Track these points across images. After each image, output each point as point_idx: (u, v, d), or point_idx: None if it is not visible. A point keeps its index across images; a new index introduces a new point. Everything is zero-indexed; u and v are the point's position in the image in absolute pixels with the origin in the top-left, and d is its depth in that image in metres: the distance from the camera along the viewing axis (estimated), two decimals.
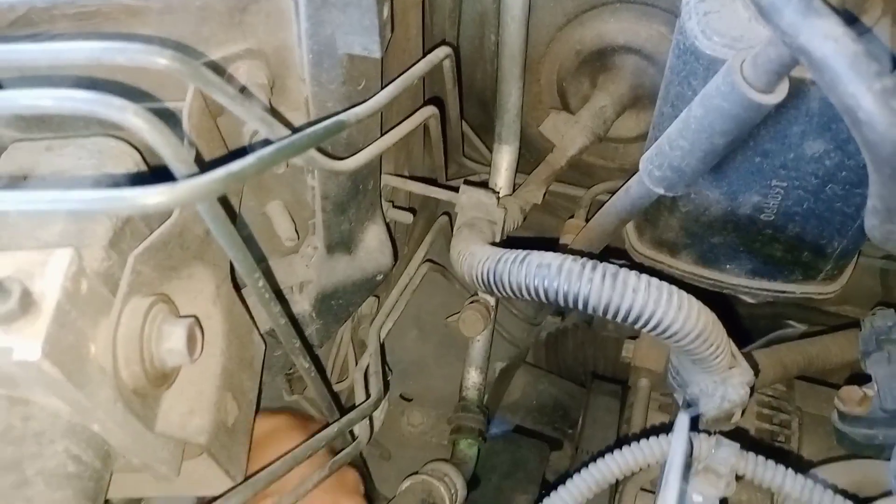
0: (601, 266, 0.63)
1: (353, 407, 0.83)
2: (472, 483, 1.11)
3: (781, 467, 0.60)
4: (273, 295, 0.56)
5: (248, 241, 0.78)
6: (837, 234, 0.76)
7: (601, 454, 0.64)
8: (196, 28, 0.60)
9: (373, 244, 0.83)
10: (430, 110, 0.78)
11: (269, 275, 0.77)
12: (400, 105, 0.83)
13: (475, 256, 0.71)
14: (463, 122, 1.11)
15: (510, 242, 0.98)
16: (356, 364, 0.96)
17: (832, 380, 0.99)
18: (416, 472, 0.95)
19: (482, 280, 0.70)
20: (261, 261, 0.75)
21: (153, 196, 0.38)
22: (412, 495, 0.87)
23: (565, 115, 0.98)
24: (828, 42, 0.46)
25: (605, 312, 0.63)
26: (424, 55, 0.76)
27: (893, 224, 0.52)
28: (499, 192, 0.97)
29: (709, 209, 0.78)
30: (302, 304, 0.82)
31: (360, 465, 0.95)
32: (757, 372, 0.68)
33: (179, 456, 0.62)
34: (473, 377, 1.11)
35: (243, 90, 0.61)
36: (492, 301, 1.07)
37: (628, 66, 0.95)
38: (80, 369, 0.49)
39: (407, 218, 0.91)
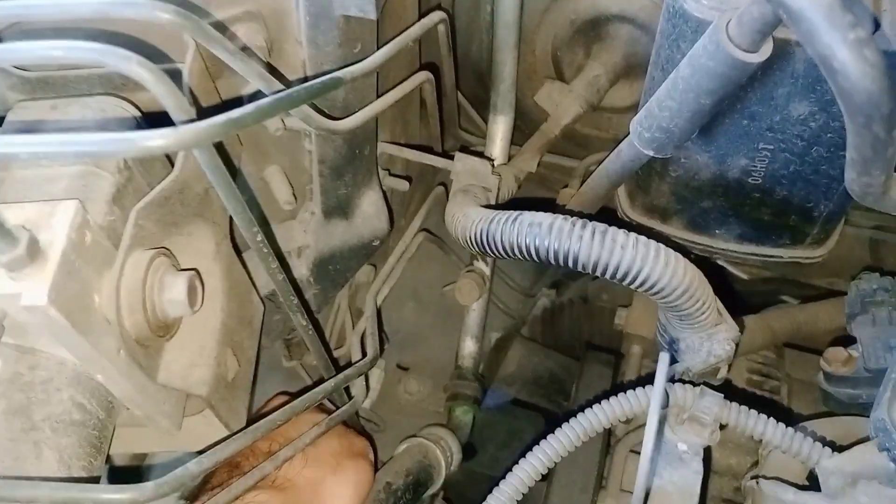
0: (591, 224, 0.65)
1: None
2: (469, 452, 1.13)
3: (764, 416, 0.62)
4: (272, 251, 0.58)
5: (249, 204, 0.80)
6: (823, 197, 0.78)
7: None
8: None
9: (369, 210, 0.85)
10: (425, 75, 0.79)
11: (269, 238, 0.79)
12: (396, 71, 0.84)
13: (469, 218, 0.73)
14: (459, 94, 1.12)
15: (507, 205, 1.00)
16: (353, 330, 0.98)
17: (821, 347, 1.02)
18: (413, 436, 0.97)
19: (476, 241, 0.72)
20: (261, 224, 0.77)
21: (157, 139, 0.40)
22: (409, 456, 0.89)
23: (560, 84, 0.99)
24: None
25: (595, 269, 0.65)
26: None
27: (870, 176, 0.54)
28: (494, 161, 0.98)
29: (698, 173, 0.80)
30: (300, 269, 0.84)
31: (364, 431, 0.97)
32: (742, 328, 0.70)
33: (181, 409, 0.64)
34: (469, 346, 1.13)
35: (244, 49, 0.62)
36: (487, 270, 1.09)
37: (622, 35, 0.96)
38: (84, 318, 0.51)
39: (403, 186, 0.92)
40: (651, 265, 0.63)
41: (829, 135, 0.71)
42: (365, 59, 0.66)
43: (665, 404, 0.60)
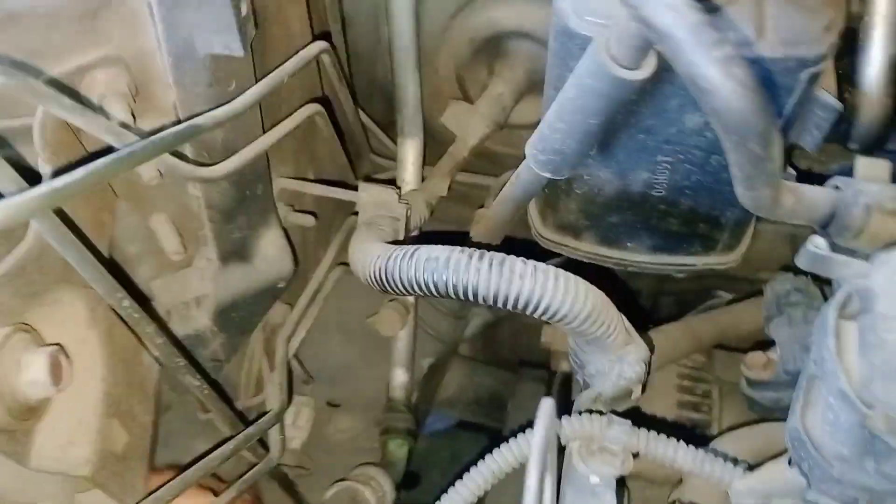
0: (488, 255, 0.63)
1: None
2: (412, 481, 1.10)
3: (674, 441, 0.60)
4: (145, 315, 0.54)
5: (138, 256, 0.76)
6: (728, 204, 0.77)
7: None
8: (45, 36, 0.57)
9: (270, 251, 0.81)
10: (314, 107, 0.76)
11: (160, 288, 0.75)
12: (290, 106, 0.81)
13: (367, 255, 0.70)
14: (369, 119, 1.09)
15: (422, 238, 0.97)
16: (270, 376, 0.93)
17: (750, 346, 1.01)
18: (343, 479, 0.93)
19: (375, 279, 0.69)
20: (149, 278, 0.72)
21: None
22: (336, 502, 0.86)
23: (465, 104, 0.97)
24: (668, 12, 0.46)
25: (495, 301, 0.62)
26: None
27: (756, 190, 0.53)
28: (400, 188, 0.95)
29: (602, 189, 0.78)
30: (201, 320, 0.79)
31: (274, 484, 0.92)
32: (652, 349, 0.68)
33: (70, 491, 0.60)
34: (400, 377, 1.10)
35: (102, 98, 0.58)
36: (410, 299, 1.06)
37: (522, 51, 0.94)
38: None
39: (308, 221, 0.89)
40: (551, 293, 0.61)
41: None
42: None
43: (559, 445, 0.57)
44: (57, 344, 0.53)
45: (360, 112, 1.04)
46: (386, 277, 0.67)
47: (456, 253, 0.63)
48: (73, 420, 0.57)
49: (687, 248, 0.85)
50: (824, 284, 0.87)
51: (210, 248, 0.77)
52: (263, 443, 0.82)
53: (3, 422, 0.50)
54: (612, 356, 0.66)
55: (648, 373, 0.66)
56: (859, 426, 0.59)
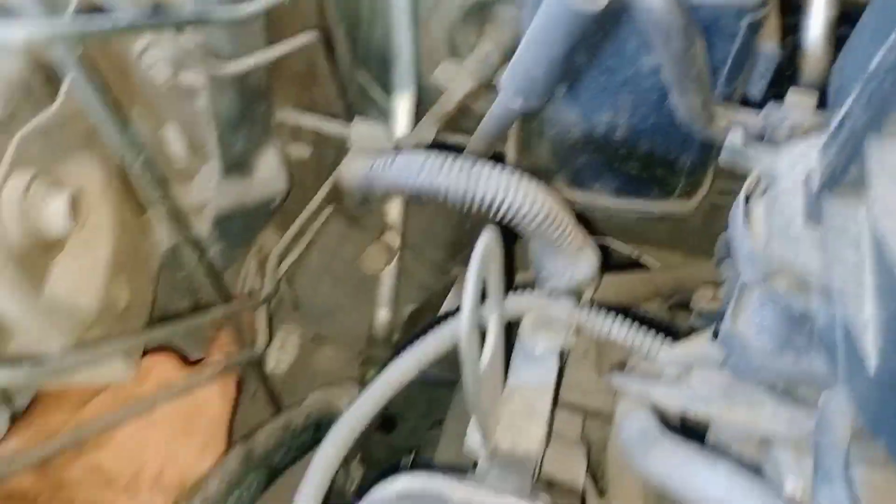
0: (459, 160, 0.71)
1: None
2: (390, 425, 1.17)
3: (612, 317, 0.67)
4: (153, 173, 0.61)
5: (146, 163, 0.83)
6: (682, 148, 0.86)
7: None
8: None
9: (267, 170, 0.89)
10: (313, 35, 0.84)
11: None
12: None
13: (355, 167, 0.78)
14: (367, 75, 1.18)
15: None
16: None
17: None
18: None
19: (361, 188, 0.77)
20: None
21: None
22: (312, 401, 0.93)
23: (455, 62, 1.06)
24: None
25: (464, 201, 0.70)
26: None
27: (687, 96, 0.61)
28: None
29: (571, 131, 0.87)
30: (201, 226, 0.87)
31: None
32: (606, 256, 0.76)
33: (70, 336, 0.67)
34: (382, 315, 1.18)
35: None
36: (395, 242, 1.14)
37: (509, 15, 1.03)
38: None
39: (304, 152, 0.97)
40: (513, 194, 0.69)
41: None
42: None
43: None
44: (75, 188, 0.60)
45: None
46: (371, 185, 0.76)
47: (431, 158, 0.72)
48: (83, 268, 0.64)
49: (647, 193, 0.93)
50: None
51: (213, 161, 0.85)
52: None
53: (25, 251, 0.58)
54: (567, 260, 0.73)
55: (599, 278, 0.74)
56: (781, 324, 0.67)
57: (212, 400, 0.82)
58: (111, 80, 0.66)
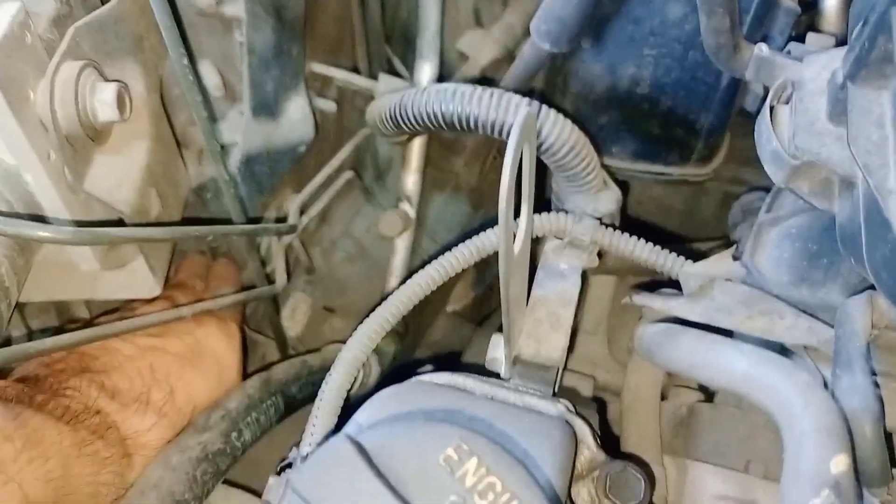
0: (489, 89, 0.73)
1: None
2: None
3: (634, 238, 0.69)
4: (200, 94, 0.64)
5: (180, 101, 0.86)
6: (703, 107, 0.88)
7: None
8: None
9: (295, 115, 0.92)
10: None
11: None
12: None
13: (385, 99, 0.80)
14: (395, 56, 1.21)
15: None
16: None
17: None
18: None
19: (390, 116, 0.79)
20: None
21: None
22: (321, 356, 0.93)
23: (480, 31, 1.09)
24: None
25: (492, 130, 0.72)
26: None
27: (717, 19, 0.63)
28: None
29: (594, 86, 0.89)
30: (229, 165, 0.89)
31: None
32: (626, 193, 0.78)
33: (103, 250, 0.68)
34: (393, 284, 1.19)
35: None
36: (412, 212, 1.16)
37: None
38: (20, 106, 0.55)
39: (331, 107, 0.99)
40: (541, 122, 0.71)
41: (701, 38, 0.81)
42: None
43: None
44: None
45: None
46: (401, 112, 0.77)
47: (462, 86, 0.74)
48: (122, 168, 0.66)
49: (665, 156, 0.95)
50: None
51: (245, 101, 0.87)
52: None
53: (74, 132, 0.59)
54: (590, 197, 0.75)
55: (620, 214, 0.76)
56: (799, 258, 0.68)
57: (217, 343, 0.81)
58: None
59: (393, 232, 1.11)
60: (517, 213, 0.56)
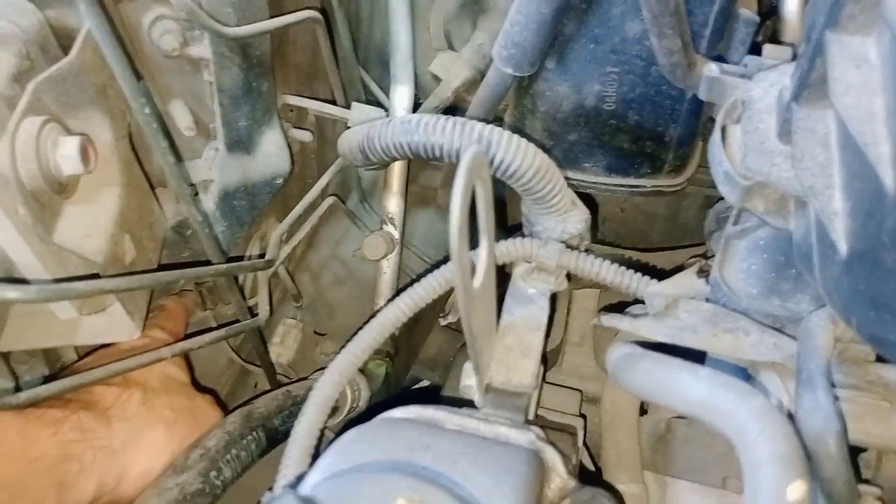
0: (453, 119, 0.74)
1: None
2: None
3: (599, 259, 0.69)
4: (163, 131, 0.65)
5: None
6: (671, 119, 0.89)
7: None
8: None
9: (270, 148, 0.93)
10: (313, 13, 0.88)
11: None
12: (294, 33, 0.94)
13: (353, 132, 0.81)
14: (369, 78, 1.22)
15: None
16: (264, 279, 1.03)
17: None
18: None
19: (360, 149, 0.80)
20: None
21: None
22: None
23: (451, 53, 1.10)
24: None
25: (458, 158, 0.73)
26: None
27: (668, 39, 0.63)
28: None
29: (562, 105, 0.90)
30: (206, 204, 0.90)
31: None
32: (595, 212, 0.79)
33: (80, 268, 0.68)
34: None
35: None
36: (396, 233, 1.17)
37: (501, 6, 1.08)
38: None
39: (306, 137, 1.00)
40: (504, 148, 0.71)
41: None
42: None
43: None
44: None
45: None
46: (369, 145, 0.78)
47: (426, 117, 0.75)
48: (92, 218, 0.67)
49: (638, 169, 0.96)
50: None
51: (218, 137, 0.88)
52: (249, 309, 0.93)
53: (39, 188, 0.60)
54: (558, 217, 0.76)
55: (590, 232, 0.76)
56: (768, 269, 0.69)
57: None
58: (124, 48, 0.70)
59: (377, 255, 1.12)
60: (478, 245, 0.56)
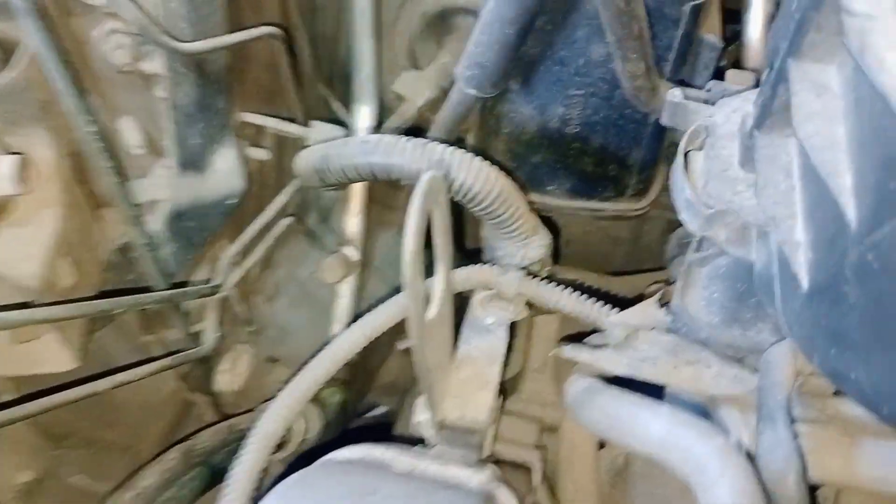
0: (413, 140, 0.72)
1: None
2: None
3: (559, 288, 0.68)
4: (109, 150, 0.61)
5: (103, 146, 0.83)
6: (634, 143, 0.88)
7: None
8: None
9: (224, 167, 0.89)
10: (273, 29, 0.86)
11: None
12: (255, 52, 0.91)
13: (310, 152, 0.79)
14: (332, 96, 1.20)
15: None
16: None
17: None
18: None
19: (315, 168, 0.77)
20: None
21: None
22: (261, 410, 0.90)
23: (415, 72, 1.08)
24: None
25: (417, 180, 0.71)
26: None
27: (631, 63, 0.63)
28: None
29: (525, 127, 0.89)
30: (154, 224, 0.86)
31: None
32: (556, 235, 0.77)
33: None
34: (337, 331, 1.16)
35: None
36: (355, 255, 1.14)
37: (468, 26, 1.06)
38: None
39: (262, 155, 0.97)
40: (465, 171, 0.70)
41: None
42: None
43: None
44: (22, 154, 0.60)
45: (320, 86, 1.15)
46: (326, 166, 0.76)
47: (386, 137, 0.73)
48: (28, 240, 0.63)
49: (601, 192, 0.95)
50: None
51: (169, 156, 0.85)
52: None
53: None
54: (519, 243, 0.74)
55: (552, 257, 0.75)
56: (729, 298, 0.68)
57: None
58: (71, 63, 0.67)
59: (334, 277, 1.09)
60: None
